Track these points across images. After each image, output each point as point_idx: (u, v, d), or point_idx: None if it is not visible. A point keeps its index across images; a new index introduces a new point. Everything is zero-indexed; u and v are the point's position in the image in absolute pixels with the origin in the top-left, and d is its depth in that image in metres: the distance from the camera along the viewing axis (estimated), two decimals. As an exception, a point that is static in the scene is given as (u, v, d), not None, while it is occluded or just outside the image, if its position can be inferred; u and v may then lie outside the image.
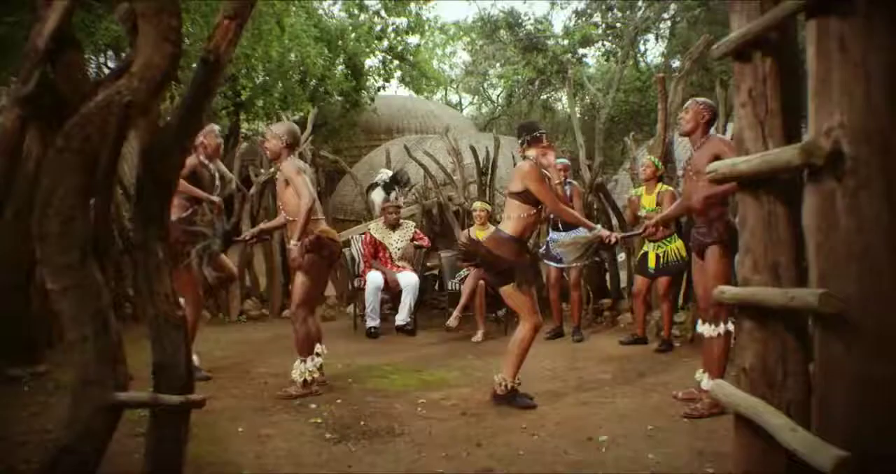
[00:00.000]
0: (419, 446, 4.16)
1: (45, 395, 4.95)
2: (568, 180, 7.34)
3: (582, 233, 7.33)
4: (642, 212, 6.88)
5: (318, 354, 5.22)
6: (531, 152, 5.04)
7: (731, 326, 4.72)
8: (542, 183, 4.90)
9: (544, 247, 7.59)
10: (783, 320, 1.86)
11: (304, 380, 5.11)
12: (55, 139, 2.01)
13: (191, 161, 5.51)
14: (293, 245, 5.06)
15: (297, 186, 5.04)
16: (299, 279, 5.18)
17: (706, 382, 4.76)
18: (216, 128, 5.88)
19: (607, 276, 8.41)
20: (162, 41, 2.12)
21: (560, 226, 7.32)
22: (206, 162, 5.62)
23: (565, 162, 7.44)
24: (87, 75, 2.34)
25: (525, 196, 4.90)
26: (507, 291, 4.96)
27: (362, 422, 4.53)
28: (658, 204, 6.80)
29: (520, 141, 5.19)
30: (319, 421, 4.55)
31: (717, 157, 4.52)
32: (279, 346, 6.65)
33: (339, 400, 5.00)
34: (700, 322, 5.00)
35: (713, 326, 4.76)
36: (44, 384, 5.20)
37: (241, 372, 5.75)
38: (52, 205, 1.98)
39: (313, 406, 4.87)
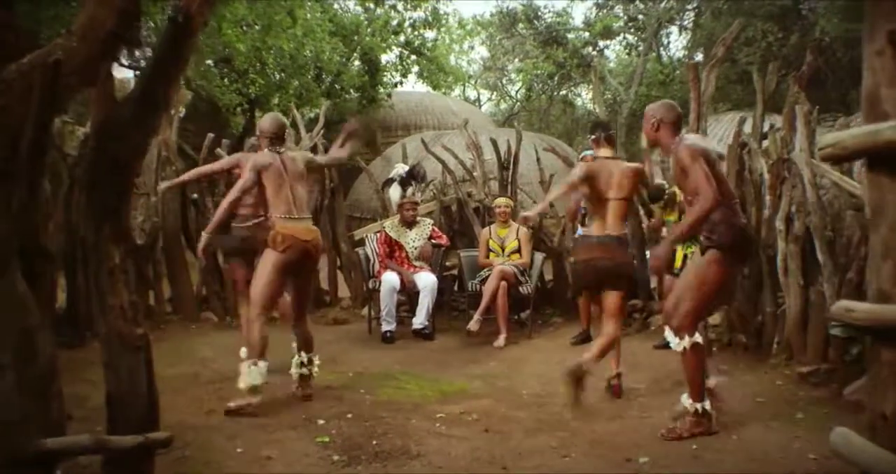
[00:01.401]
0: (437, 470, 3.72)
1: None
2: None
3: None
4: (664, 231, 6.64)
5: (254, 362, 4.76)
6: (604, 151, 5.08)
7: (698, 338, 4.19)
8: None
9: (574, 241, 7.15)
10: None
11: (253, 387, 4.64)
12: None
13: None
14: (203, 234, 4.97)
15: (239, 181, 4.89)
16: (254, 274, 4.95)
17: (684, 399, 4.24)
18: None
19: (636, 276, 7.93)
20: (110, -7, 1.69)
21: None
22: None
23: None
24: (21, 37, 1.91)
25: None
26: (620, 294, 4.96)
27: (374, 441, 4.09)
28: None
29: (593, 136, 5.16)
30: (327, 439, 4.11)
31: (682, 169, 4.15)
32: (287, 352, 6.23)
33: (349, 415, 4.55)
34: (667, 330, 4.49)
35: (678, 340, 4.21)
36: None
37: (245, 381, 5.32)
38: (-43, 196, 1.57)
39: (321, 422, 4.42)
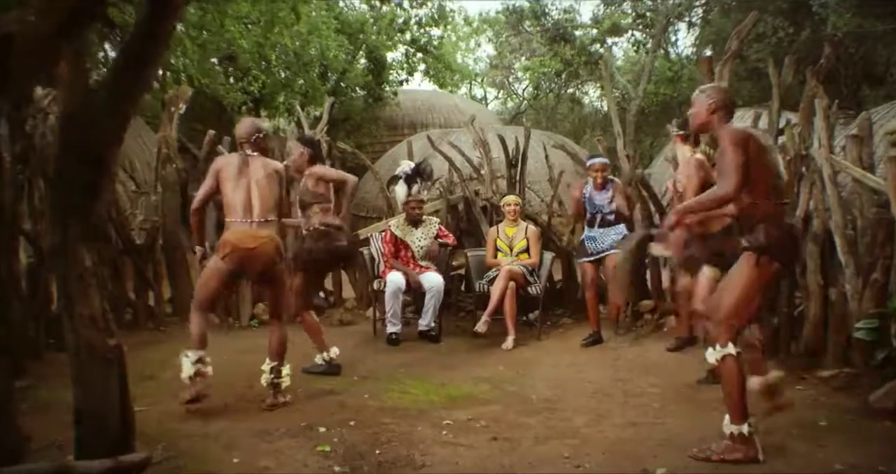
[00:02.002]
0: (444, 481, 3.54)
1: (26, 414, 4.38)
2: (609, 178, 6.76)
3: (620, 230, 6.71)
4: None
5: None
6: (685, 147, 5.38)
7: (731, 349, 3.70)
8: None
9: (580, 244, 6.99)
10: None
11: (189, 377, 4.55)
12: None
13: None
14: (197, 248, 5.13)
15: None
16: None
17: (726, 424, 3.77)
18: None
19: (647, 275, 7.74)
20: (76, -38, 1.51)
21: (596, 223, 6.72)
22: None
23: (603, 161, 6.80)
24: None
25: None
26: None
27: (378, 451, 3.90)
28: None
29: (683, 132, 5.38)
30: (328, 448, 3.91)
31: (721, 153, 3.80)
32: (290, 356, 6.05)
33: (351, 422, 4.35)
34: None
35: (710, 349, 3.81)
36: (27, 401, 4.63)
37: (245, 387, 5.12)
38: None
39: (322, 429, 4.22)
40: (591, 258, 6.75)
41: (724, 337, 3.75)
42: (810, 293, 5.60)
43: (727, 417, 3.78)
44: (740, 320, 3.80)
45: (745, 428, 3.71)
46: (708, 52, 18.67)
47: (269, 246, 4.70)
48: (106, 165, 1.73)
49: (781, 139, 6.36)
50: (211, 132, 7.63)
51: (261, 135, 4.91)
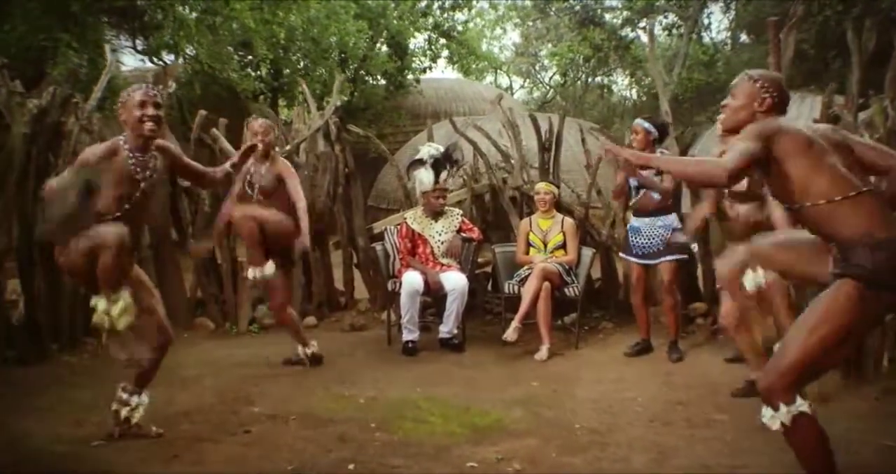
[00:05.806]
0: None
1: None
2: (660, 149, 5.79)
3: (670, 222, 5.79)
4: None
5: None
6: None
7: (802, 405, 2.65)
8: None
9: (625, 238, 6.05)
10: None
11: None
12: None
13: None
14: None
15: None
16: None
17: None
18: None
19: (699, 274, 6.83)
20: None
21: (638, 196, 5.79)
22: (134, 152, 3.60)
23: (645, 125, 5.80)
24: None
25: None
26: None
27: (382, 508, 3.04)
28: None
29: None
30: (318, 505, 3.06)
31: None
32: (290, 370, 5.24)
33: (351, 466, 3.45)
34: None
35: (770, 411, 2.69)
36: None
37: (228, 412, 4.26)
38: None
39: (313, 475, 3.37)
40: (637, 260, 5.81)
41: (782, 390, 2.67)
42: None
43: None
44: (810, 367, 2.68)
45: None
46: (743, 37, 17.76)
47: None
48: None
49: (863, 115, 5.45)
50: (202, 112, 6.84)
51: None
